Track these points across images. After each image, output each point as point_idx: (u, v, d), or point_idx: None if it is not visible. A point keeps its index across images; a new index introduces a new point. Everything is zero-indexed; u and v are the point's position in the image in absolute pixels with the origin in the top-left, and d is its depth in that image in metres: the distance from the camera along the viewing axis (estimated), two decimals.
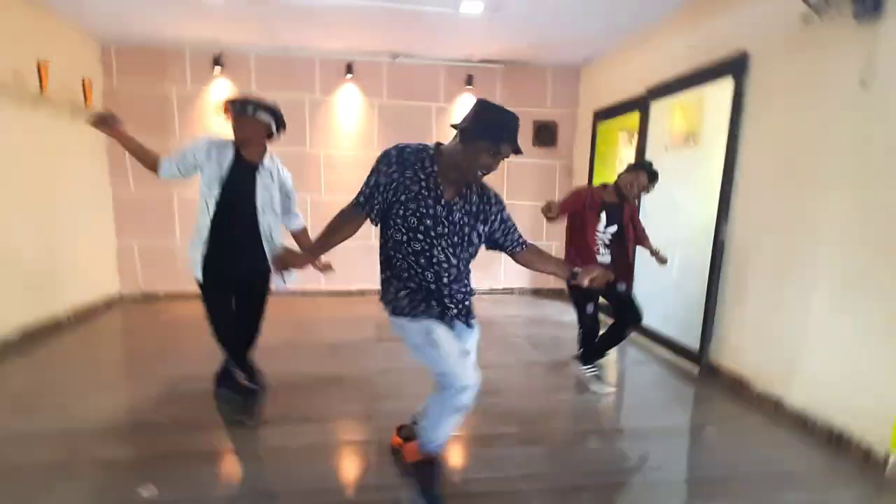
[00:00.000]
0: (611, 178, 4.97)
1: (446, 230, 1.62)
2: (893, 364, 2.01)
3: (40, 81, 3.53)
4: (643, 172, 2.84)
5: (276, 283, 2.40)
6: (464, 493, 1.86)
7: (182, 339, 3.70)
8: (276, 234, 2.36)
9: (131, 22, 4.05)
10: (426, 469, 1.77)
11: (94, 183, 4.49)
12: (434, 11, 3.73)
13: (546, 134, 5.29)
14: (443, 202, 1.61)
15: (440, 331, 1.65)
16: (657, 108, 3.77)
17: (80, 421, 2.34)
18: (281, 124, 2.32)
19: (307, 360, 3.30)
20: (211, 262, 2.26)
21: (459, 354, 1.65)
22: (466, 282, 1.76)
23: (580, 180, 5.19)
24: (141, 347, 3.64)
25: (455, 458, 2.15)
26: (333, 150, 4.97)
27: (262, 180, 2.28)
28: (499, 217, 1.73)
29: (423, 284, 1.68)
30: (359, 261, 4.11)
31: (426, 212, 1.60)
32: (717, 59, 3.05)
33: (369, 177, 1.67)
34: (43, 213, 3.75)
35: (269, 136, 2.30)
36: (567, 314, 4.73)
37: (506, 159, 1.64)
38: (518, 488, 1.90)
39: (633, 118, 4.08)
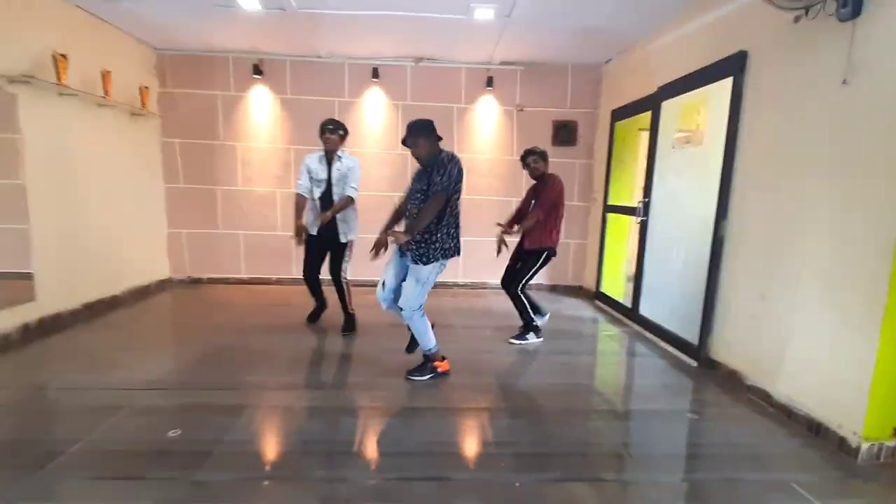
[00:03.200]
0: (628, 178, 5.11)
1: None
2: (868, 356, 2.05)
3: (105, 88, 4.04)
4: (534, 157, 3.63)
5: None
6: (438, 452, 2.08)
7: (218, 316, 4.13)
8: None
9: (182, 33, 4.55)
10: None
11: (150, 177, 5.03)
12: (449, 19, 3.97)
13: (565, 133, 5.40)
14: None
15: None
16: (667, 107, 3.84)
17: (129, 377, 2.75)
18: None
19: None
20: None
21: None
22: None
23: (599, 179, 5.28)
24: (185, 322, 4.10)
25: (439, 424, 2.38)
26: (360, 149, 5.30)
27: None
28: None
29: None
30: None
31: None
32: (719, 58, 3.12)
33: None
34: (106, 202, 4.28)
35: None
36: (582, 309, 4.85)
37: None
38: (488, 451, 2.11)
39: (647, 117, 4.15)
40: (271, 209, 5.36)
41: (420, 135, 2.73)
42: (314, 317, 3.99)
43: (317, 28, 4.29)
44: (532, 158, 3.62)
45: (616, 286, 5.04)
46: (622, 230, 5.08)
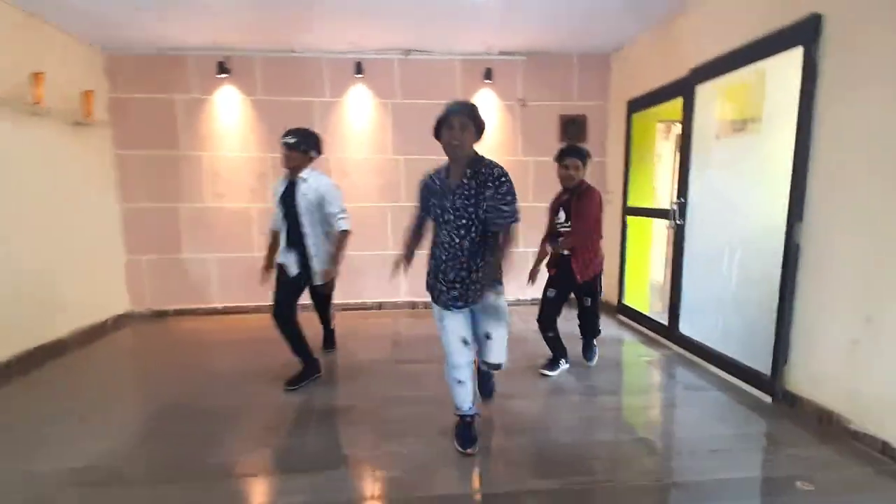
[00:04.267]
0: (647, 176, 4.54)
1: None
2: None
3: (36, 93, 3.35)
4: (574, 159, 2.85)
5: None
6: None
7: (182, 358, 3.44)
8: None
9: (133, 30, 3.88)
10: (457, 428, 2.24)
11: (101, 197, 4.31)
12: (442, 1, 3.36)
13: (574, 129, 4.83)
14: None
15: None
16: (704, 91, 3.27)
17: (53, 465, 2.06)
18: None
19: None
20: None
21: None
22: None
23: (614, 178, 4.71)
24: (140, 369, 3.40)
25: None
26: (345, 154, 4.66)
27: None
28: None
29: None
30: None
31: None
32: (781, 26, 2.56)
33: None
34: (45, 228, 3.57)
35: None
36: (605, 326, 4.24)
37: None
38: None
39: (675, 106, 3.59)
40: (245, 227, 4.67)
41: (472, 120, 1.97)
42: (329, 342, 3.55)
43: (288, 15, 3.65)
44: (572, 161, 2.84)
45: (641, 298, 4.47)
46: (645, 235, 4.51)
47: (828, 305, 2.35)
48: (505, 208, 1.94)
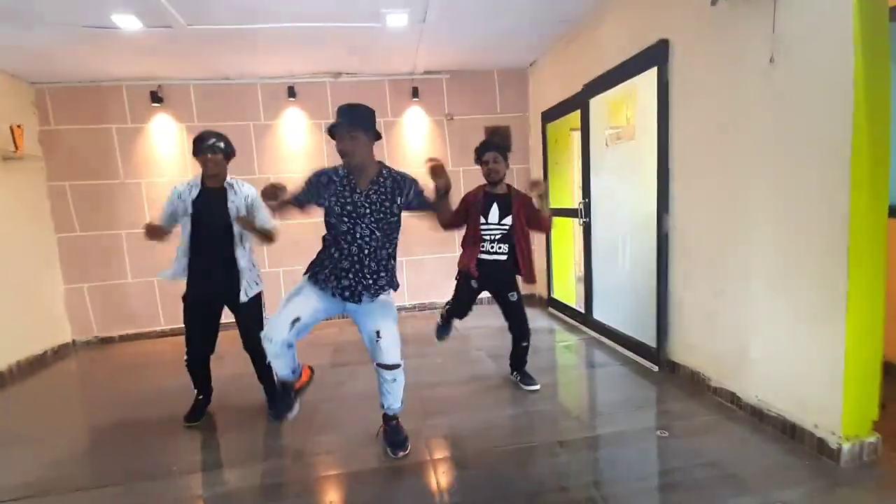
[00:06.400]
0: (566, 179, 4.99)
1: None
2: (837, 348, 1.90)
3: None
4: (492, 153, 2.75)
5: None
6: None
7: (123, 384, 3.55)
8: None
9: (62, 63, 3.98)
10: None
11: (36, 229, 4.35)
12: (361, 27, 3.68)
13: (499, 138, 5.20)
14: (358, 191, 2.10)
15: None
16: (595, 104, 3.72)
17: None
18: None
19: None
20: None
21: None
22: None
23: None
24: (76, 399, 3.49)
25: (387, 488, 2.02)
26: (281, 174, 4.87)
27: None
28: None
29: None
30: None
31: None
32: (641, 49, 3.01)
33: None
34: None
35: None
36: (536, 319, 4.62)
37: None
38: None
39: (577, 117, 4.03)
40: None
41: (361, 124, 1.99)
42: (198, 413, 2.73)
43: (217, 47, 3.86)
44: (492, 155, 2.75)
45: (567, 291, 4.88)
46: (566, 232, 4.94)
47: (691, 283, 2.78)
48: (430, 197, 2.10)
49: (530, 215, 2.81)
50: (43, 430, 2.80)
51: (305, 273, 2.21)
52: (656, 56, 2.87)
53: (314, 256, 2.24)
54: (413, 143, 5.10)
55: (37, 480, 2.21)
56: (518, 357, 2.99)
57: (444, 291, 5.12)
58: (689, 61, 2.67)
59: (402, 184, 2.12)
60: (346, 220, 2.07)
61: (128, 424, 2.79)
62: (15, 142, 3.96)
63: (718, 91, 2.46)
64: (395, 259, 2.24)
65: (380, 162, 2.16)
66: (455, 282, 3.02)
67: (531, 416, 2.59)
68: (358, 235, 2.08)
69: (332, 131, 2.06)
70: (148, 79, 4.50)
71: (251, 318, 2.62)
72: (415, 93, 4.96)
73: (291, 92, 4.74)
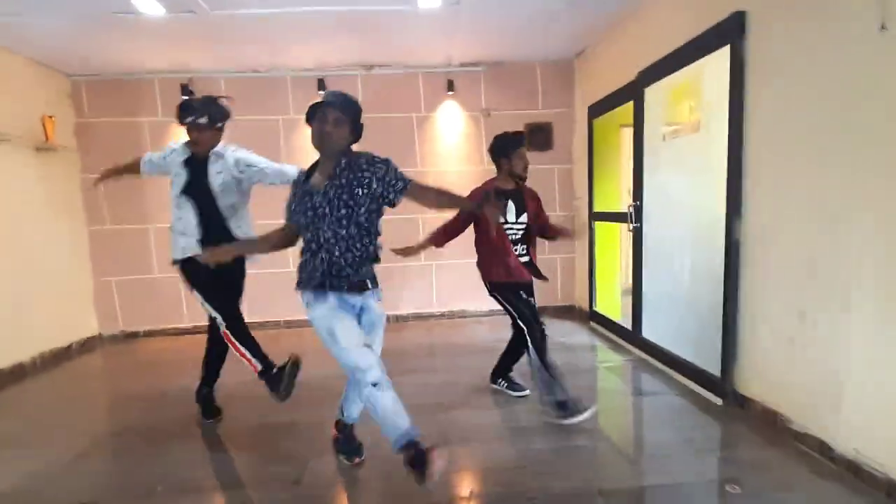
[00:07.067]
0: (613, 181, 4.53)
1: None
2: None
3: None
4: (516, 147, 2.57)
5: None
6: None
7: (141, 380, 3.42)
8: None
9: (95, 54, 3.96)
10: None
11: (68, 221, 4.35)
12: (392, 11, 3.41)
13: (540, 136, 4.84)
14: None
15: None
16: (652, 93, 3.28)
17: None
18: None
19: None
20: None
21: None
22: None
23: (581, 185, 4.69)
24: (96, 394, 3.38)
25: None
26: None
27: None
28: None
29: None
30: None
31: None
32: (709, 26, 2.56)
33: None
34: (5, 254, 3.60)
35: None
36: (576, 334, 4.20)
37: None
38: None
39: (629, 110, 3.59)
40: None
41: (349, 112, 1.80)
42: (214, 407, 2.69)
43: (243, 34, 3.71)
44: (524, 150, 2.58)
45: (612, 304, 4.41)
46: (612, 239, 4.48)
47: (768, 301, 2.30)
48: (398, 184, 1.80)
49: (541, 215, 2.68)
50: (42, 432, 2.66)
51: (297, 288, 1.91)
52: (729, 32, 2.43)
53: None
54: (447, 139, 4.80)
55: (12, 490, 2.03)
56: (508, 366, 2.83)
57: (475, 299, 4.84)
58: (771, 36, 2.22)
59: (363, 172, 1.79)
60: (308, 224, 1.84)
61: (133, 428, 2.61)
62: (46, 133, 3.95)
63: (809, 70, 2.00)
64: (374, 256, 1.92)
65: (342, 152, 1.83)
66: (502, 303, 2.58)
67: (568, 453, 2.18)
68: (322, 239, 1.81)
69: (315, 110, 1.80)
70: (179, 71, 4.43)
71: (238, 282, 2.59)
72: (450, 86, 4.66)
73: (321, 85, 4.55)
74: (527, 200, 2.63)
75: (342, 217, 1.78)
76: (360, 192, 1.78)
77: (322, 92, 4.54)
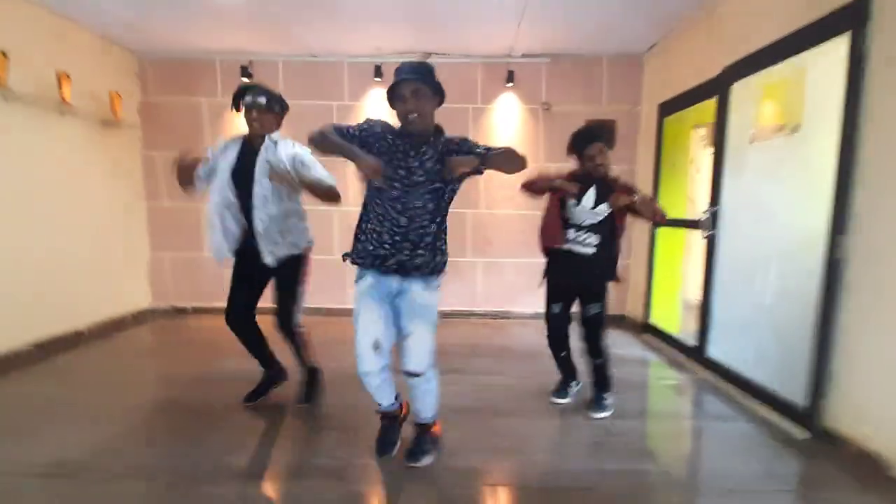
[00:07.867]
0: (681, 185, 4.22)
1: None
2: None
3: (61, 93, 3.50)
4: (598, 143, 2.46)
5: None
6: None
7: (186, 357, 3.45)
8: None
9: (160, 33, 4.02)
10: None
11: (129, 195, 4.47)
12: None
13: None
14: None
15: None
16: (740, 90, 2.98)
17: (33, 454, 2.05)
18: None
19: None
20: None
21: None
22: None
23: (644, 187, 4.40)
24: (147, 366, 3.43)
25: None
26: None
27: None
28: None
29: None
30: None
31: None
32: (823, 13, 2.27)
33: None
34: (69, 224, 3.72)
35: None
36: (627, 346, 3.95)
37: None
38: None
39: (708, 108, 3.31)
40: None
41: (430, 81, 1.79)
42: (257, 393, 2.64)
43: (300, 15, 3.65)
44: (598, 147, 2.45)
45: (670, 317, 4.12)
46: (676, 247, 4.18)
47: (873, 328, 2.02)
48: (477, 150, 1.81)
49: (641, 203, 2.37)
50: (95, 402, 2.70)
51: (345, 257, 1.97)
52: (846, 20, 2.14)
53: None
54: (503, 133, 4.62)
55: (65, 459, 2.04)
56: (597, 378, 2.63)
57: (524, 301, 4.66)
58: None
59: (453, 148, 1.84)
60: (396, 185, 1.81)
61: (185, 405, 2.63)
62: (114, 109, 4.05)
63: None
64: (442, 239, 1.96)
65: (437, 125, 1.93)
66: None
67: (628, 477, 1.99)
68: (410, 206, 1.82)
69: (396, 89, 1.78)
70: (239, 53, 4.45)
71: (282, 285, 2.49)
72: (510, 77, 4.47)
73: (378, 71, 4.47)
74: (616, 191, 2.42)
75: (433, 191, 1.83)
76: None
77: (378, 79, 4.47)
